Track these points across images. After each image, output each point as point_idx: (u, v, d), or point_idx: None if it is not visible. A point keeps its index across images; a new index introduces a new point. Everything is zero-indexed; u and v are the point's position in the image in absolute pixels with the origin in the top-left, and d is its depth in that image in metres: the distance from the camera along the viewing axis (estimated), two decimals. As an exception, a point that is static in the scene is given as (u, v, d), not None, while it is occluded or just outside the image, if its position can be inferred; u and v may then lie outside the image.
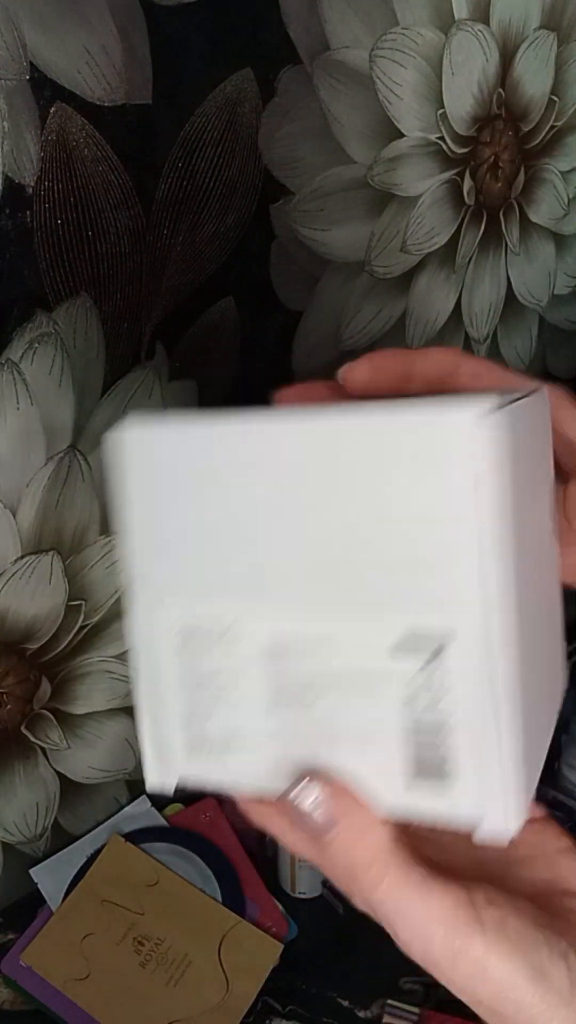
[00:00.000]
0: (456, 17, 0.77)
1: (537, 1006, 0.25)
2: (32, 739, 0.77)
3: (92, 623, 0.76)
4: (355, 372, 0.32)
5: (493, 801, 0.25)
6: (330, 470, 0.25)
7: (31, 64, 0.56)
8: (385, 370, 0.32)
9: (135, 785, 0.89)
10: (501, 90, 0.84)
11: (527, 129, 0.89)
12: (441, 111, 0.79)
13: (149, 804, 0.89)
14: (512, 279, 0.98)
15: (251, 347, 0.77)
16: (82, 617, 0.75)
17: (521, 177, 0.91)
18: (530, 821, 0.28)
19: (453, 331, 0.94)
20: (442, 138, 0.81)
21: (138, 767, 0.87)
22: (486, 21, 0.79)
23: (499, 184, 0.89)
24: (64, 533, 0.70)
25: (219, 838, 0.86)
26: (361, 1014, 0.72)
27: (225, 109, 0.66)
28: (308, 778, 0.27)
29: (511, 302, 0.99)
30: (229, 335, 0.75)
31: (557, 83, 0.89)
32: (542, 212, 0.96)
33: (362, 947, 0.76)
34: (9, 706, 0.74)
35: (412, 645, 0.25)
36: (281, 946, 0.75)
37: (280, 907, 0.80)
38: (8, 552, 0.68)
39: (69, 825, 0.85)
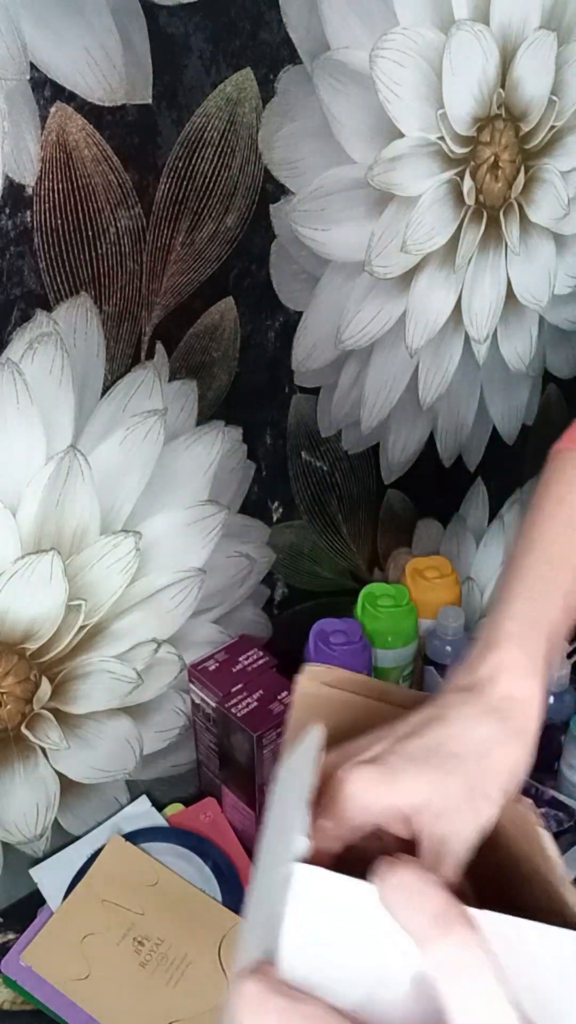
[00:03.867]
0: (456, 17, 0.77)
1: None
2: (32, 739, 0.77)
3: (92, 623, 0.76)
4: None
5: None
6: None
7: (31, 64, 0.56)
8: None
9: (135, 785, 0.89)
10: (501, 90, 0.84)
11: (527, 129, 0.89)
12: (441, 111, 0.79)
13: (149, 804, 0.89)
14: (512, 279, 0.98)
15: (251, 347, 0.77)
16: (82, 617, 0.75)
17: (521, 177, 0.91)
18: None
19: (453, 331, 0.94)
20: (442, 138, 0.81)
21: (138, 767, 0.87)
22: (486, 21, 0.79)
23: (499, 184, 0.89)
24: (64, 533, 0.70)
25: (219, 838, 0.86)
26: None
27: (225, 109, 0.66)
28: None
29: (511, 302, 0.99)
30: (229, 335, 0.75)
31: (557, 83, 0.89)
32: (542, 212, 0.96)
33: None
34: (9, 706, 0.74)
35: None
36: (281, 946, 0.75)
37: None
38: (8, 552, 0.68)
39: (69, 825, 0.85)
